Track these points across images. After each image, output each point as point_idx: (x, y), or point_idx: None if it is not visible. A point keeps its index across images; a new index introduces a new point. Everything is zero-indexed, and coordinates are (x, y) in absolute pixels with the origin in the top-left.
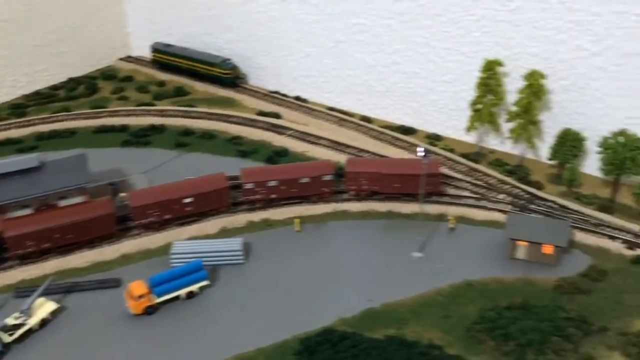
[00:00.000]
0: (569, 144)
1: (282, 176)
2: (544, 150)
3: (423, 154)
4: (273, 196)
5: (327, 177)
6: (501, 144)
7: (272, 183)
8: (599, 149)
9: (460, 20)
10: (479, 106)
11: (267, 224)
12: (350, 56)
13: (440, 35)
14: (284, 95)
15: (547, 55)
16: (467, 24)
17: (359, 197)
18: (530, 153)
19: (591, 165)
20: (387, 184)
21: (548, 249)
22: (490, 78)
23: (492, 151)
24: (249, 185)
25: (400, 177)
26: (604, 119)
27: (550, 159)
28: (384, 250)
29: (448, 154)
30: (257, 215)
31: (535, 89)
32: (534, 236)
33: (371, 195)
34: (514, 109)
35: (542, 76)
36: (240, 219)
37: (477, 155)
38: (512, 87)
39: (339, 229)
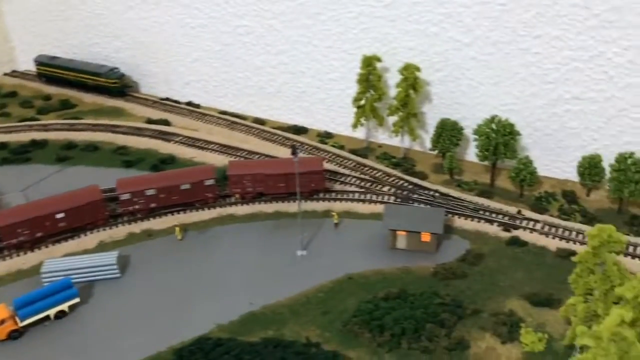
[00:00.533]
0: (448, 133)
1: (160, 184)
2: (427, 141)
3: (294, 154)
4: (153, 205)
5: (209, 182)
6: (389, 138)
7: (151, 192)
8: (475, 137)
9: (339, 18)
10: (362, 102)
11: (148, 234)
12: (239, 58)
13: (322, 34)
14: (176, 101)
15: (423, 48)
16: (346, 22)
17: (245, 200)
18: (415, 145)
19: (472, 153)
20: (271, 184)
21: (426, 237)
22: (370, 74)
23: (381, 145)
24: (125, 196)
25: (283, 177)
26: (479, 107)
27: (431, 149)
28: (268, 252)
29: (337, 151)
30: (138, 227)
31: (411, 81)
32: (410, 225)
33: (257, 197)
34: (394, 103)
35: (417, 69)
36: (120, 231)
37: (365, 150)
38: (393, 82)
39: (224, 233)
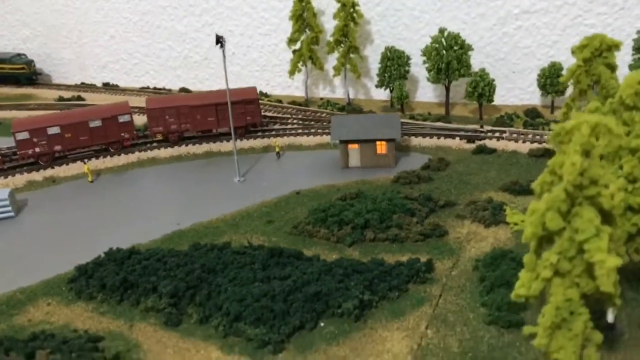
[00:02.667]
0: (394, 63)
1: (65, 121)
2: (372, 89)
3: (220, 44)
4: (57, 148)
5: (125, 119)
6: (332, 92)
7: (54, 130)
8: (424, 59)
9: None
10: (298, 46)
11: (52, 180)
12: (159, 27)
13: None
14: (92, 85)
15: None
16: None
17: (169, 141)
18: (360, 94)
19: (422, 93)
20: (199, 119)
21: (382, 148)
22: (304, 10)
23: (322, 98)
24: (22, 135)
25: (213, 109)
26: (425, 39)
27: (378, 86)
28: (199, 182)
29: (275, 104)
30: (40, 175)
31: (349, 8)
32: (364, 133)
33: (182, 138)
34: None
35: (355, 3)
36: (17, 180)
37: (306, 102)
38: (330, 26)
39: (145, 173)
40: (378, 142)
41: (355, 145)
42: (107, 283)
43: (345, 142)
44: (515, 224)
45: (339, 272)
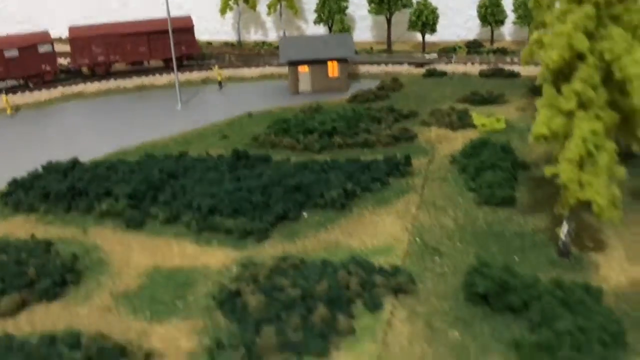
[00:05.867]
0: None
1: None
2: (310, 29)
3: None
4: None
5: (46, 49)
6: (264, 36)
7: None
8: None
9: None
10: None
11: None
12: None
13: None
14: None
15: None
16: None
17: (96, 75)
18: (297, 34)
19: (360, 34)
20: (129, 49)
21: (334, 71)
22: None
23: (256, 41)
24: None
25: (145, 38)
26: None
27: (316, 22)
28: (135, 113)
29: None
30: None
31: None
32: (314, 54)
33: (110, 71)
34: None
35: None
36: None
37: (239, 44)
38: None
39: (73, 108)
40: (330, 64)
41: (306, 68)
42: (50, 192)
43: (295, 65)
44: (483, 125)
45: (316, 169)
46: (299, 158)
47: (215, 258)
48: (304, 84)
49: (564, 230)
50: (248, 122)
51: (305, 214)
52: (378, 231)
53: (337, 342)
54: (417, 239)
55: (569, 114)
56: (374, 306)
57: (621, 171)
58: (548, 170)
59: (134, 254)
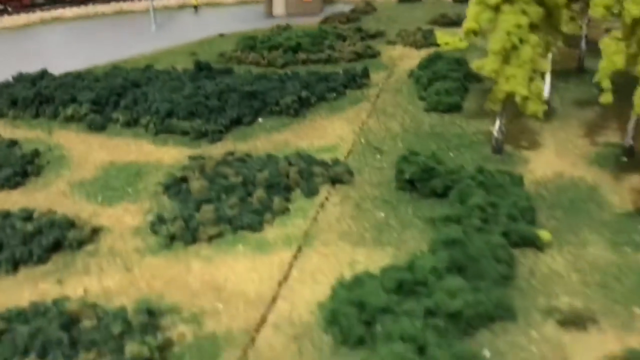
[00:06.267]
0: None
1: None
2: None
3: None
4: None
5: None
6: None
7: None
8: None
9: None
10: None
11: None
12: None
13: None
14: None
15: None
16: None
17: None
18: None
19: None
20: None
21: None
22: None
23: None
24: None
25: None
26: None
27: None
28: (110, 34)
29: None
30: None
31: None
32: None
33: None
34: None
35: None
36: None
37: None
38: None
39: (51, 30)
40: None
41: None
42: (18, 98)
43: None
44: (447, 43)
45: (274, 78)
46: (266, 71)
47: (169, 155)
48: (278, 7)
49: (496, 126)
50: (219, 42)
51: (260, 119)
52: (327, 134)
53: (270, 220)
54: (362, 139)
55: (496, 9)
56: (310, 192)
57: (544, 65)
58: (475, 64)
59: (93, 151)
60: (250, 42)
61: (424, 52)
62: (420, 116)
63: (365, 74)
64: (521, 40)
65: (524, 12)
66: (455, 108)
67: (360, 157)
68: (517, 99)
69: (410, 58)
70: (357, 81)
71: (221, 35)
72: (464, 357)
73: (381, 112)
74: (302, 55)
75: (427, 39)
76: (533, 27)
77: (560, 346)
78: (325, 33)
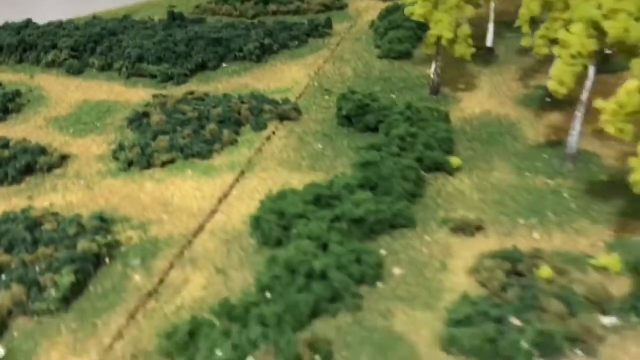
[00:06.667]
0: None
1: None
2: None
3: None
4: None
5: None
6: None
7: None
8: None
9: None
10: None
11: None
12: None
13: None
14: None
15: None
16: None
17: None
18: None
19: None
20: None
21: None
22: None
23: None
24: None
25: None
26: None
27: None
28: None
29: None
30: None
31: None
32: None
33: None
34: None
35: None
36: None
37: None
38: None
39: None
40: None
41: None
42: (3, 45)
43: None
44: None
45: (241, 27)
46: (235, 22)
47: (138, 95)
48: None
49: (432, 69)
50: None
51: (224, 64)
52: (284, 77)
53: (219, 149)
54: (316, 83)
55: None
56: (259, 127)
57: (470, 10)
58: (406, 10)
59: (69, 92)
60: None
61: (389, 3)
62: (373, 62)
63: (329, 24)
64: None
65: None
66: (405, 55)
67: (311, 98)
68: (444, 41)
69: (375, 10)
70: (319, 31)
71: None
72: (359, 252)
73: (338, 59)
74: (272, 7)
75: None
76: None
77: (447, 247)
78: None
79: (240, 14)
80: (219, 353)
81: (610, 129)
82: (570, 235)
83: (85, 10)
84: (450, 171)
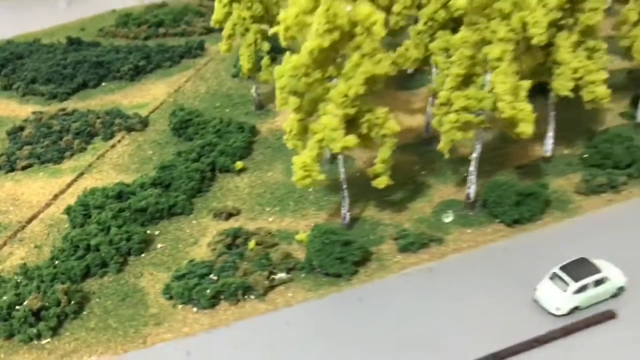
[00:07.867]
0: None
1: None
2: None
3: None
4: None
5: None
6: None
7: None
8: None
9: None
10: None
11: None
12: None
13: None
14: None
15: None
16: None
17: None
18: None
19: None
20: None
21: None
22: None
23: None
24: None
25: None
26: None
27: None
28: (21, 13)
29: None
30: None
31: None
32: None
33: None
34: None
35: None
36: None
37: None
38: None
39: None
40: None
41: None
42: None
43: None
44: None
45: (124, 50)
46: (129, 44)
47: (26, 111)
48: None
49: (253, 89)
50: (109, 17)
51: (104, 83)
52: (147, 94)
53: (69, 156)
54: (171, 99)
55: (230, 4)
56: (107, 137)
57: (266, 46)
58: (221, 46)
59: None
60: (125, 19)
61: None
62: (226, 81)
63: (201, 45)
64: (247, 29)
65: (248, 9)
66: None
67: (162, 112)
68: (244, 71)
69: None
70: (192, 52)
71: (113, 11)
72: (131, 233)
73: (199, 77)
74: (162, 30)
75: None
76: (255, 19)
77: (205, 228)
78: (186, 10)
79: (134, 36)
80: (4, 297)
81: (290, 145)
82: (297, 219)
83: (5, 33)
84: (236, 172)
